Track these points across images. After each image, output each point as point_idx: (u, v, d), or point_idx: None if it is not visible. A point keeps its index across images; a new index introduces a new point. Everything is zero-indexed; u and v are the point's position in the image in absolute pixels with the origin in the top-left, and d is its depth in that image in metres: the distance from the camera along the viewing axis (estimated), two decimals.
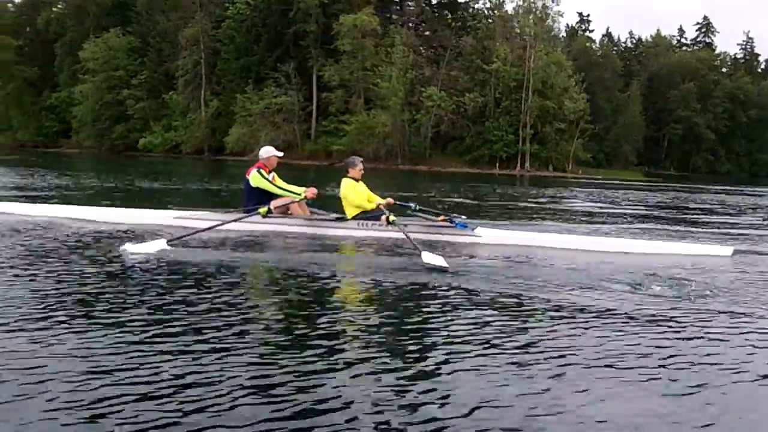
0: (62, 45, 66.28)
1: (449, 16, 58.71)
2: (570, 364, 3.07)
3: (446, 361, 3.05)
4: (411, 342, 3.36)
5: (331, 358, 3.00)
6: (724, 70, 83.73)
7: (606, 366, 3.08)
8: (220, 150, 55.88)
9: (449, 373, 2.89)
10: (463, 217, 7.67)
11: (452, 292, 4.56)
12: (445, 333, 3.55)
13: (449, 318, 3.84)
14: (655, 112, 74.53)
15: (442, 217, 7.49)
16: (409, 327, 3.65)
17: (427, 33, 58.24)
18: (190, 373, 2.72)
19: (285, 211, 7.41)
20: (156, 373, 2.70)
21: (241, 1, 56.82)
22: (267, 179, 7.46)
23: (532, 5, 56.03)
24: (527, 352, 3.24)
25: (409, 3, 59.85)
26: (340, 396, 2.56)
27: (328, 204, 8.50)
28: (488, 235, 7.26)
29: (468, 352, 3.20)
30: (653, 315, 4.08)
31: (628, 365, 3.10)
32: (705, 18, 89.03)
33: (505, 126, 52.96)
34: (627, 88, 72.50)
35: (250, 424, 2.29)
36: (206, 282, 4.58)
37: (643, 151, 71.76)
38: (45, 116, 68.12)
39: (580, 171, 53.89)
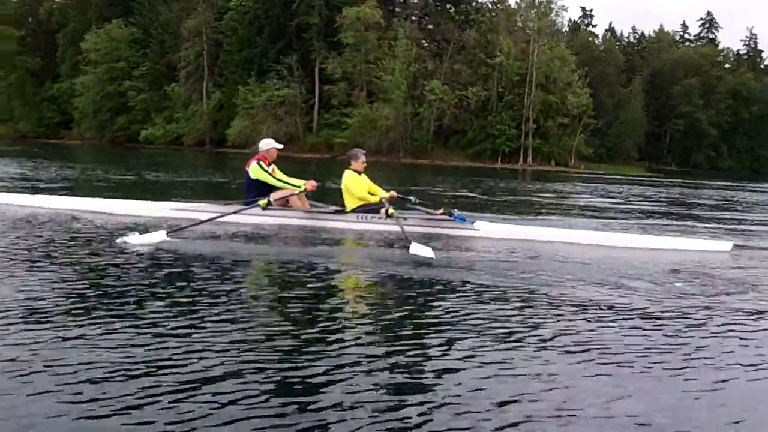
0: (64, 36, 66.26)
1: (452, 9, 58.46)
2: (567, 353, 3.09)
3: (442, 355, 3.08)
4: (406, 333, 3.38)
5: (328, 350, 3.02)
6: (726, 66, 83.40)
7: (603, 363, 3.10)
8: (222, 142, 55.85)
9: (445, 366, 2.91)
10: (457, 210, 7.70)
11: (448, 284, 4.59)
12: (441, 325, 3.57)
13: (443, 310, 3.87)
14: (657, 107, 74.37)
15: (441, 211, 7.55)
16: (404, 318, 3.67)
17: (430, 26, 58.20)
18: (188, 363, 2.74)
19: (285, 204, 7.43)
20: (153, 364, 2.71)
21: None
22: (267, 171, 7.47)
23: None
24: (522, 344, 3.25)
25: None
26: (336, 387, 2.57)
27: (328, 197, 8.52)
28: (487, 228, 7.29)
29: (463, 341, 3.23)
30: (647, 309, 4.10)
31: (626, 359, 3.12)
32: (708, 14, 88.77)
33: (507, 120, 52.87)
34: (629, 83, 72.30)
35: (246, 417, 2.30)
36: (205, 273, 4.60)
37: (644, 147, 71.64)
38: (46, 107, 68.12)
39: (582, 166, 53.78)
